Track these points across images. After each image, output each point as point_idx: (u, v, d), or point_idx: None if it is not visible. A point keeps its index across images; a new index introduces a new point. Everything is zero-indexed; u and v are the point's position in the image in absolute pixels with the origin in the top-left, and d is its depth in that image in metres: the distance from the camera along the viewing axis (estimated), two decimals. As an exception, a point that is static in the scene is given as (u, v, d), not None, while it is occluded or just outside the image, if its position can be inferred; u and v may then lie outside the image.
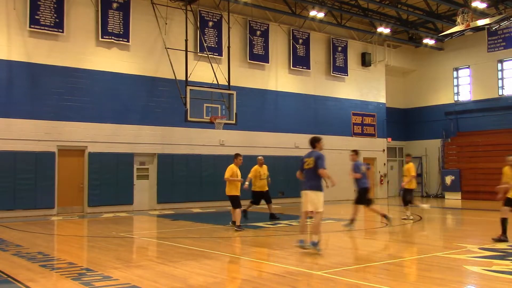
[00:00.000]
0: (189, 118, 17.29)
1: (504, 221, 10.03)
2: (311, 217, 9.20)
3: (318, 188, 8.77)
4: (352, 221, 12.44)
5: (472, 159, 24.86)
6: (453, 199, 24.63)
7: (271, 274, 7.10)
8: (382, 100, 26.96)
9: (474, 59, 26.11)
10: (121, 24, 18.30)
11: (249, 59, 21.60)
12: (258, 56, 21.87)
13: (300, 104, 23.34)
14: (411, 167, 14.33)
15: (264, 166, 14.55)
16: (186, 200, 19.38)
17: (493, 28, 23.27)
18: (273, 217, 14.54)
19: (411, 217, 14.22)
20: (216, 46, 20.49)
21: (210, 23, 20.47)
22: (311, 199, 8.77)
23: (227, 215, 15.07)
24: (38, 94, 16.79)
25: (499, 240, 9.92)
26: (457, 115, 26.77)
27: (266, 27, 22.17)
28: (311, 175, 8.78)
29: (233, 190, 12.16)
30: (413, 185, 14.40)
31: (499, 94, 25.37)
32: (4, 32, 16.28)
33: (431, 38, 25.60)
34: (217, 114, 17.80)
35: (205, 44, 19.83)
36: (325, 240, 11.38)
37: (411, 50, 28.38)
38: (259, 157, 14.85)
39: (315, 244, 8.70)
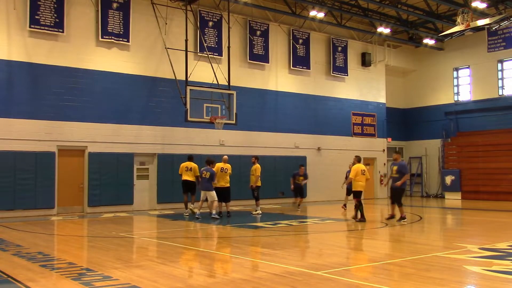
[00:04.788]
0: (189, 118, 17.27)
1: None
2: None
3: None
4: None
5: (472, 159, 24.87)
6: (453, 199, 24.63)
7: (271, 274, 7.10)
8: (382, 100, 26.96)
9: (474, 59, 26.11)
10: (121, 24, 18.30)
11: (249, 59, 21.60)
12: (258, 56, 21.87)
13: (300, 104, 23.33)
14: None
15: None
16: (186, 200, 19.36)
17: (493, 28, 23.27)
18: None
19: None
20: (216, 46, 20.49)
21: (210, 23, 20.48)
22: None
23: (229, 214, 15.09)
24: (38, 94, 16.79)
25: None
26: (457, 115, 26.77)
27: (266, 27, 22.17)
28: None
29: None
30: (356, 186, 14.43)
31: (499, 94, 25.37)
32: (4, 32, 16.28)
33: (431, 38, 25.61)
34: (217, 114, 17.78)
35: (205, 44, 19.83)
36: (325, 240, 11.38)
37: (411, 50, 28.38)
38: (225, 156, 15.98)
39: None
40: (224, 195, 15.20)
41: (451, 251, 9.02)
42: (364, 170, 14.30)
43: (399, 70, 28.56)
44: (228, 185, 15.23)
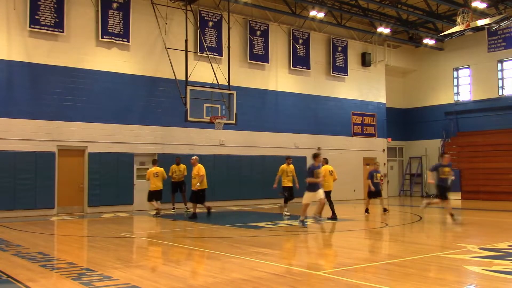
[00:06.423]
0: (189, 118, 17.28)
1: None
2: None
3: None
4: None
5: (472, 159, 24.86)
6: (453, 199, 24.47)
7: (271, 274, 7.10)
8: (382, 100, 26.95)
9: (474, 59, 26.11)
10: (121, 24, 18.29)
11: (249, 59, 21.59)
12: (258, 56, 21.86)
13: (300, 104, 23.33)
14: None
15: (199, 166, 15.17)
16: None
17: (493, 28, 23.27)
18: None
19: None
20: (216, 46, 20.48)
21: (210, 23, 20.47)
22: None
23: (228, 214, 15.09)
24: (38, 94, 16.79)
25: None
26: (457, 115, 26.76)
27: (266, 27, 22.16)
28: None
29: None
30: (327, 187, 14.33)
31: (499, 94, 25.37)
32: (4, 32, 16.28)
33: (431, 38, 25.60)
34: (217, 114, 17.79)
35: (205, 44, 19.83)
36: (325, 240, 11.39)
37: (411, 50, 28.38)
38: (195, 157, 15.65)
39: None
40: (204, 196, 15.09)
41: (451, 251, 9.02)
42: (331, 171, 14.71)
43: (399, 70, 28.56)
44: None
